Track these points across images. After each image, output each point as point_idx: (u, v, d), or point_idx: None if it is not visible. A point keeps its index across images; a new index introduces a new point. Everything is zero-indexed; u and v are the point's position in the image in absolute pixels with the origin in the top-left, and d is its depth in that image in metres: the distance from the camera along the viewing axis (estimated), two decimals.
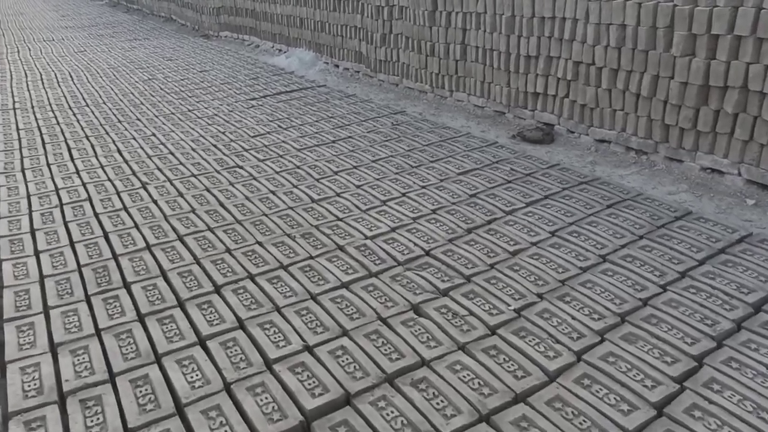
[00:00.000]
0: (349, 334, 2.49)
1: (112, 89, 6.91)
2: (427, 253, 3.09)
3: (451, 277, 2.85)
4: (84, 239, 3.40)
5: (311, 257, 3.11)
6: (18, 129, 5.53)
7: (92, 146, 5.00)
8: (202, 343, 2.50)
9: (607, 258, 2.92)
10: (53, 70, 8.05)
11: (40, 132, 5.43)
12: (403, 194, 3.79)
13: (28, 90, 7.03)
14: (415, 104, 6.08)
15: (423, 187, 3.88)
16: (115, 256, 3.20)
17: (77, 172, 4.46)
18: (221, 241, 3.33)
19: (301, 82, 6.96)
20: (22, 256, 3.23)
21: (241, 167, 4.43)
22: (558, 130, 4.79)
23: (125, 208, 3.80)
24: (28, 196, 4.03)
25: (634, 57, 4.00)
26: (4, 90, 7.03)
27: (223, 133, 5.23)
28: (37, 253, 3.27)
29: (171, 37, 10.65)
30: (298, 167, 4.36)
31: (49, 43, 10.53)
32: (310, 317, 2.61)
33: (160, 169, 4.44)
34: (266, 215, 3.62)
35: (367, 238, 3.27)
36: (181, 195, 3.97)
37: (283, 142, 4.91)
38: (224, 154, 4.71)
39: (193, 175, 4.30)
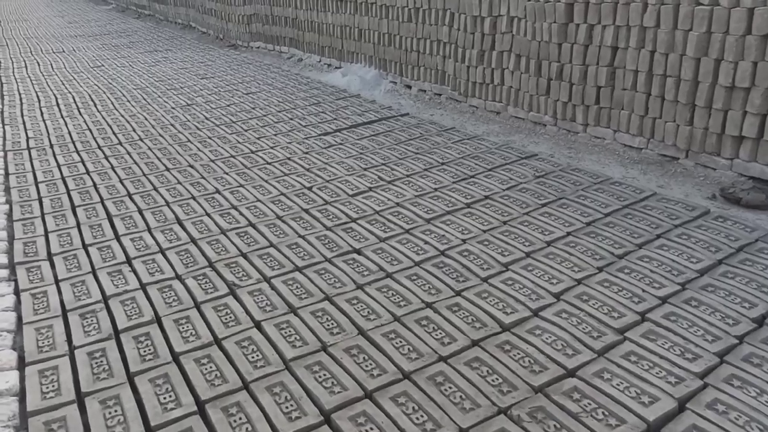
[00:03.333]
0: None
1: (146, 119, 5.45)
2: None
3: None
4: (167, 422, 1.99)
5: None
6: (36, 181, 4.08)
7: (140, 212, 3.56)
8: None
9: None
10: (70, 92, 6.57)
11: (66, 186, 3.98)
12: (642, 316, 2.39)
13: (43, 120, 5.56)
14: (534, 140, 4.67)
15: (663, 299, 2.48)
16: None
17: (129, 261, 3.03)
18: (396, 424, 1.93)
19: (375, 108, 5.53)
20: None
21: (359, 252, 3.02)
22: None
23: (217, 342, 2.39)
24: (65, 317, 2.60)
25: None
26: (14, 120, 5.55)
27: (310, 188, 3.81)
28: None
29: (195, 48, 9.16)
30: (443, 253, 2.95)
31: (60, 55, 9.02)
32: None
33: (245, 256, 3.02)
34: (445, 360, 2.21)
35: (648, 424, 1.88)
36: (292, 311, 2.55)
37: (399, 205, 3.50)
38: (326, 227, 3.29)
39: (298, 269, 2.88)
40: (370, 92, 6.33)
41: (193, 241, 3.21)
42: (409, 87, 6.18)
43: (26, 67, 8.15)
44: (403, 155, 4.28)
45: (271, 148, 4.59)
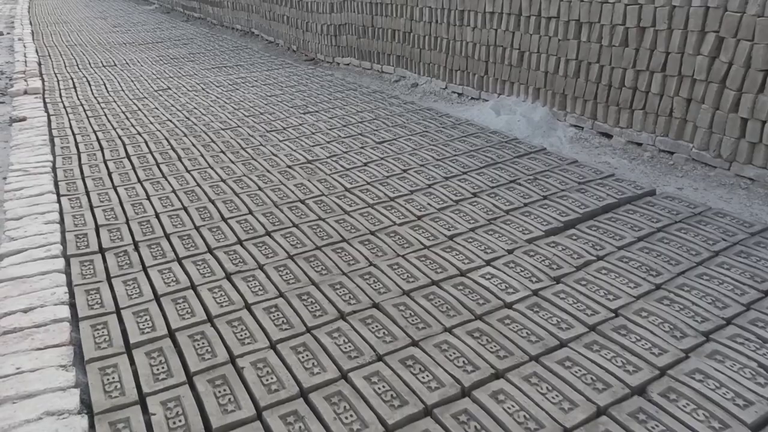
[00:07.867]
0: None
1: (260, 188, 3.61)
2: None
3: None
4: None
5: None
6: (129, 345, 2.25)
7: (322, 421, 1.75)
8: None
9: None
10: (138, 132, 4.74)
11: (180, 352, 2.16)
12: None
13: (114, 185, 3.72)
14: None
15: None
16: None
17: None
18: None
19: (590, 175, 3.61)
20: None
21: None
22: None
23: None
24: None
25: None
26: (72, 185, 3.70)
27: (649, 399, 1.96)
28: None
29: (269, 63, 7.29)
30: None
31: (111, 69, 7.20)
32: None
33: None
34: None
35: None
36: None
37: None
38: None
39: None
40: (545, 140, 4.44)
41: None
42: (608, 136, 4.27)
43: (75, 87, 6.33)
44: (742, 294, 2.41)
45: (489, 262, 2.73)
